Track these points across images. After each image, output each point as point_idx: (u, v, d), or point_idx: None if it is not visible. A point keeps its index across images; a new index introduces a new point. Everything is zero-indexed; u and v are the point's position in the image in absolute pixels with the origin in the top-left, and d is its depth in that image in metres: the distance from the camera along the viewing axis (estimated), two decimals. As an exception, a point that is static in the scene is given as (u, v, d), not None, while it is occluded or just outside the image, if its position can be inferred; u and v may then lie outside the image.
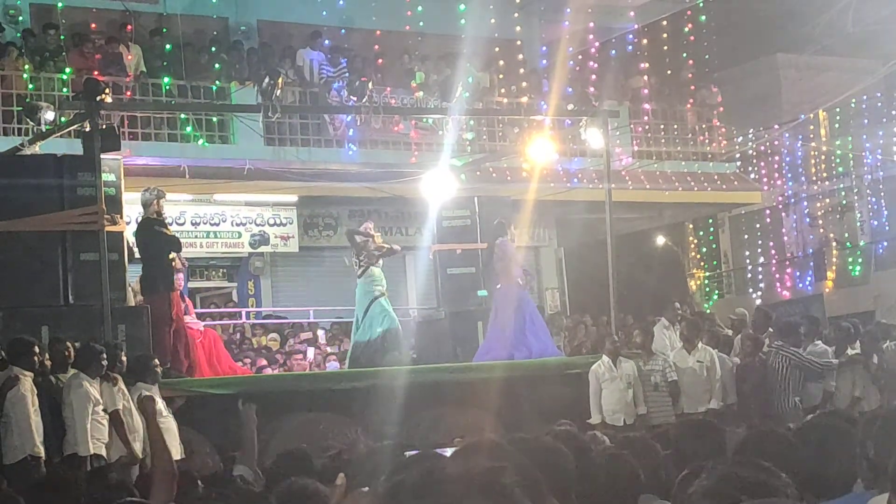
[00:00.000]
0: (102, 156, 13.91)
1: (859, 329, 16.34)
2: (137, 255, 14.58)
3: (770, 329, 16.49)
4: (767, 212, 26.82)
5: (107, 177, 14.06)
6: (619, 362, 15.01)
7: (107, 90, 15.49)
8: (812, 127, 26.38)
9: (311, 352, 19.24)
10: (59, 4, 21.11)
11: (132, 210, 15.65)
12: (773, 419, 14.04)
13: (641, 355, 15.36)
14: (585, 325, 20.63)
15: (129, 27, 21.15)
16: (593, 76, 24.12)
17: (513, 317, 16.57)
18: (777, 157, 26.55)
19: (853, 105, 26.02)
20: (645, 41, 25.29)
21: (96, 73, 18.84)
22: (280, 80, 16.95)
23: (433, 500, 2.22)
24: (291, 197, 21.54)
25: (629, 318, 20.01)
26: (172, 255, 14.55)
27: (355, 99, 20.11)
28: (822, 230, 26.37)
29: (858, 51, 26.48)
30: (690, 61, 26.00)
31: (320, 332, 20.34)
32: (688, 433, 6.12)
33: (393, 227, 22.57)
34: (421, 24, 22.84)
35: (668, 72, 25.93)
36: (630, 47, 25.37)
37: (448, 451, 5.22)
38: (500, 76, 23.71)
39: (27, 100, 18.07)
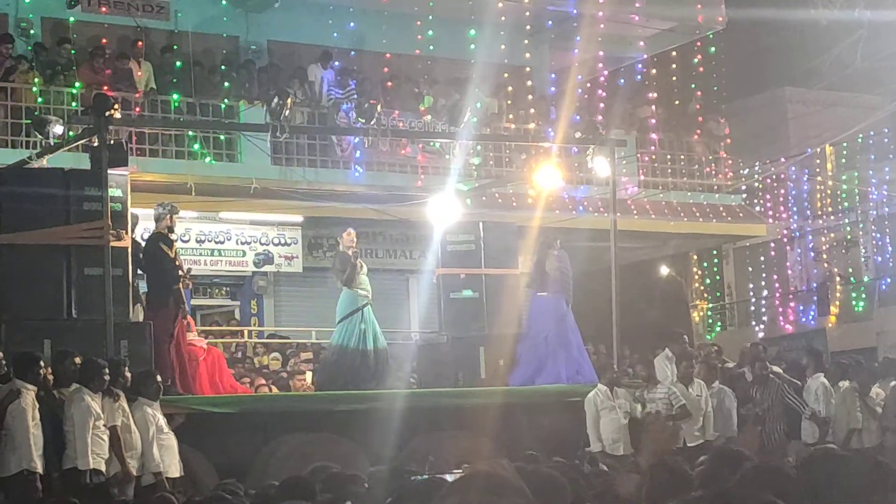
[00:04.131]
0: (109, 171, 13.93)
1: (861, 364, 16.36)
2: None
3: (765, 363, 16.53)
4: (772, 245, 26.81)
5: (113, 192, 14.07)
6: (616, 392, 15.01)
7: (116, 105, 15.53)
8: (818, 161, 26.41)
9: (310, 375, 19.18)
10: (71, 19, 21.21)
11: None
12: (764, 451, 14.16)
13: (643, 385, 15.36)
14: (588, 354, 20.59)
15: (140, 43, 21.22)
16: (601, 105, 24.16)
17: (560, 332, 16.76)
18: (783, 191, 26.56)
19: (860, 140, 26.06)
20: (654, 71, 25.35)
21: (106, 88, 18.91)
22: (289, 101, 16.99)
23: None
24: (297, 217, 21.57)
25: (626, 349, 19.98)
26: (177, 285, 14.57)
27: (363, 121, 20.16)
28: (826, 265, 26.36)
29: (866, 86, 26.56)
30: (699, 92, 26.04)
31: (325, 353, 20.31)
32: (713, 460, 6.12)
33: (397, 250, 22.61)
34: (431, 48, 22.92)
35: (676, 102, 25.97)
36: (639, 77, 25.44)
37: (450, 478, 5.22)
38: (509, 102, 23.76)
39: (36, 113, 18.10)
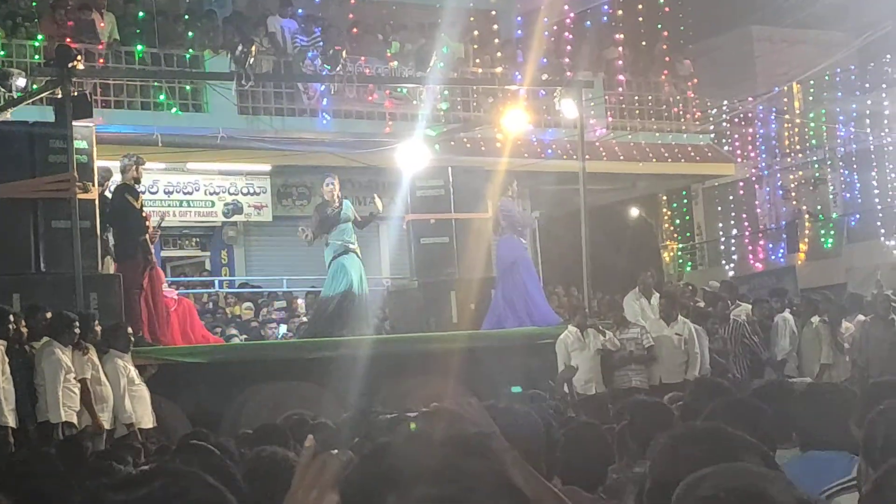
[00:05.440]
0: (74, 123, 13.85)
1: (829, 299, 16.50)
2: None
3: (727, 303, 16.66)
4: (741, 184, 26.86)
5: (79, 144, 14.01)
6: (588, 333, 15.05)
7: (79, 57, 15.40)
8: (786, 99, 26.43)
9: (283, 328, 19.13)
10: (32, -30, 20.94)
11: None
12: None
13: (612, 326, 15.41)
14: (558, 296, 20.67)
15: (103, -6, 20.98)
16: (568, 47, 24.10)
17: (521, 277, 16.74)
18: (751, 130, 26.59)
19: (827, 78, 26.07)
20: (620, 12, 25.27)
21: (68, 40, 18.66)
22: (253, 48, 16.92)
23: (421, 461, 2.21)
24: (265, 166, 21.50)
25: (598, 292, 20.03)
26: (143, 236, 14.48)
27: (329, 68, 20.04)
28: (794, 202, 26.45)
29: (832, 24, 26.51)
30: (665, 33, 26.00)
31: (300, 301, 20.29)
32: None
33: (366, 197, 22.48)
34: (396, -7, 22.79)
35: (643, 43, 25.92)
36: (605, 18, 25.36)
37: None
38: (475, 46, 23.66)
39: (-2, 66, 17.93)
